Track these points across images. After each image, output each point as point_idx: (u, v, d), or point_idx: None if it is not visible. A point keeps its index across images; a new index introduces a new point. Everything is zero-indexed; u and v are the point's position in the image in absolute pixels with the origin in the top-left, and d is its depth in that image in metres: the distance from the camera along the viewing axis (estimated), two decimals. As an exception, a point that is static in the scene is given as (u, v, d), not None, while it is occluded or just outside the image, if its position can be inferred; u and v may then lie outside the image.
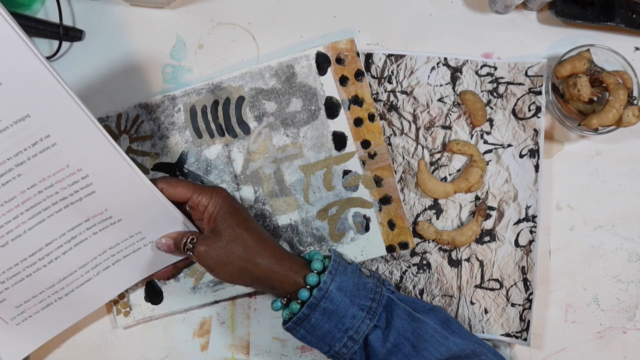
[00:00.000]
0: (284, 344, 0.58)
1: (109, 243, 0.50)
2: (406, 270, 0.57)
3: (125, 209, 0.48)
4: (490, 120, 0.58)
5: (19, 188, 0.43)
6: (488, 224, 0.57)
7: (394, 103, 0.58)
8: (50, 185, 0.44)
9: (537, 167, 0.57)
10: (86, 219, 0.47)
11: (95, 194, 0.46)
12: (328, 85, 0.57)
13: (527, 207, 0.57)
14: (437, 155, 0.58)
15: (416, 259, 0.57)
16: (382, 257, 0.57)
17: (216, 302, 0.58)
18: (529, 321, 0.56)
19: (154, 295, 0.57)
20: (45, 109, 0.41)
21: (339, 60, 0.57)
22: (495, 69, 0.58)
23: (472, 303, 0.57)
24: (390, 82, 0.58)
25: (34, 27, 0.58)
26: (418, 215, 0.57)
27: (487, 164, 0.57)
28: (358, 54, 0.57)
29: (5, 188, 0.43)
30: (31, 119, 0.41)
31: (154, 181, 0.48)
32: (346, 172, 0.57)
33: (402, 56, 0.58)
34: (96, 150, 0.44)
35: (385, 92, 0.58)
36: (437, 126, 0.58)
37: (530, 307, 0.56)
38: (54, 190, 0.44)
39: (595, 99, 0.55)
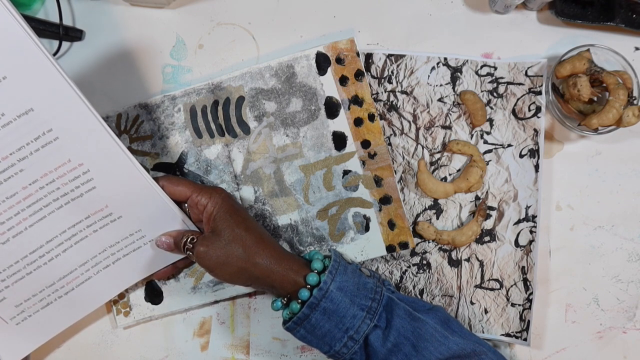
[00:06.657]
0: (284, 344, 0.58)
1: (109, 241, 0.50)
2: (406, 270, 0.57)
3: (126, 205, 0.48)
4: (490, 120, 0.58)
5: (20, 184, 0.43)
6: (488, 224, 0.57)
7: (394, 103, 0.58)
8: (51, 180, 0.44)
9: (537, 167, 0.57)
10: (87, 215, 0.47)
11: (95, 189, 0.46)
12: (328, 85, 0.57)
13: (527, 207, 0.57)
14: (437, 155, 0.58)
15: (416, 259, 0.57)
16: (382, 257, 0.57)
17: (216, 302, 0.58)
18: (529, 321, 0.56)
19: (154, 295, 0.57)
20: (48, 102, 0.41)
21: (339, 60, 0.57)
22: (495, 69, 0.58)
23: (472, 303, 0.57)
24: (390, 82, 0.58)
25: (34, 27, 0.58)
26: (418, 215, 0.57)
27: (487, 164, 0.57)
28: (358, 54, 0.57)
29: (7, 184, 0.43)
30: (34, 113, 0.41)
31: (155, 179, 0.49)
32: (346, 172, 0.57)
33: (402, 56, 0.58)
34: (97, 145, 0.44)
35: (385, 92, 0.58)
36: (437, 126, 0.58)
37: (530, 307, 0.56)
38: (55, 186, 0.44)
39: (595, 99, 0.55)
